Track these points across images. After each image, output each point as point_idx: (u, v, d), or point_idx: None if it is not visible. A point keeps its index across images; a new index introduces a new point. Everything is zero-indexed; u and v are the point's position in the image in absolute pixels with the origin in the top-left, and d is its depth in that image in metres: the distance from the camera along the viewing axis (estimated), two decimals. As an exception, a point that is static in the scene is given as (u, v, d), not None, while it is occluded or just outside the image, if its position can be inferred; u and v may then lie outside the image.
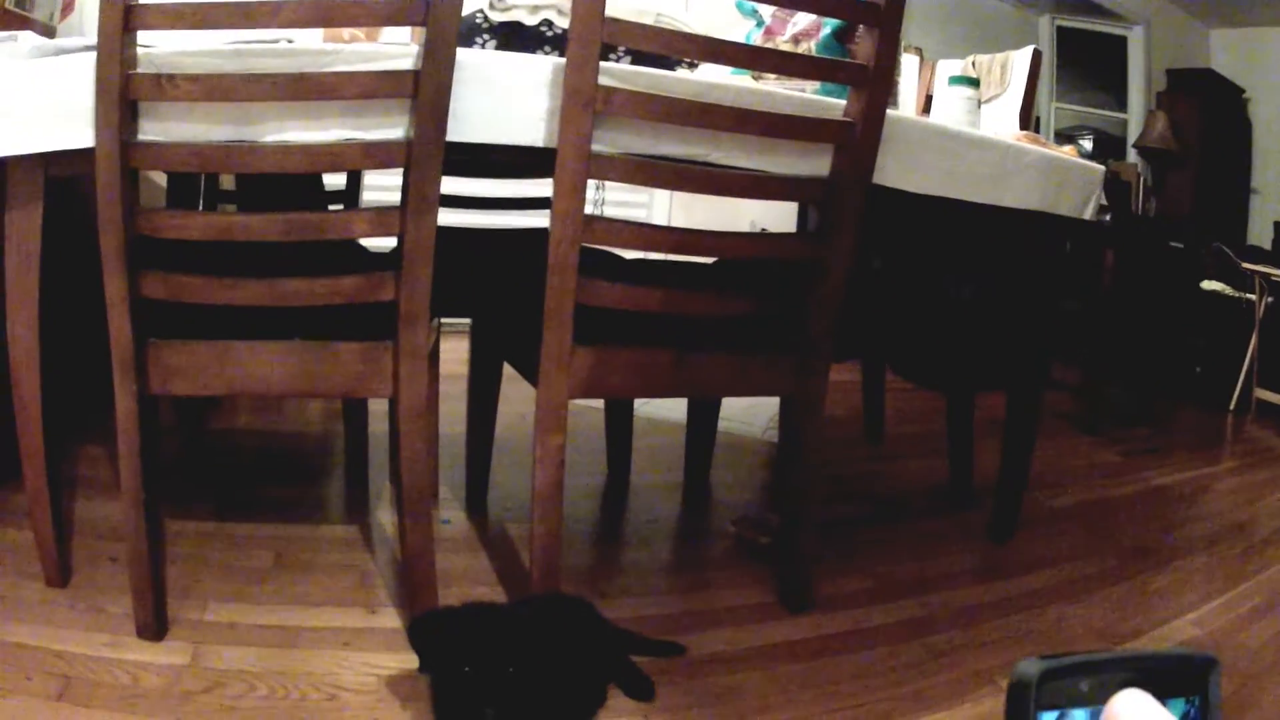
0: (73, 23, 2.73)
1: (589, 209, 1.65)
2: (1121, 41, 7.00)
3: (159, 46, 1.55)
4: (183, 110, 1.55)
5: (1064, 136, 7.10)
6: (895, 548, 2.54)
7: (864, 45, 1.80)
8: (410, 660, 1.60)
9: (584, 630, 1.72)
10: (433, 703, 1.54)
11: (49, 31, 2.58)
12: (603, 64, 1.59)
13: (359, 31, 1.87)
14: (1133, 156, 7.02)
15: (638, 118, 1.65)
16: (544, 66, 1.65)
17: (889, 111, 1.84)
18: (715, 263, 2.23)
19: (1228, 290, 5.50)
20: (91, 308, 1.63)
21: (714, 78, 1.90)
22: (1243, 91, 7.10)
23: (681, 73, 1.90)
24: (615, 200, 4.16)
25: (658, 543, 2.50)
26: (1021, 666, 0.48)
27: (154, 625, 1.71)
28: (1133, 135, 7.04)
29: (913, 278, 3.00)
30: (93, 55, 1.47)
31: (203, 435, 2.65)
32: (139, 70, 1.50)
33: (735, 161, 1.79)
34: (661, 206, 4.14)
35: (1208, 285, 5.60)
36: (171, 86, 1.49)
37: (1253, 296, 5.18)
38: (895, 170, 1.92)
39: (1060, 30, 6.97)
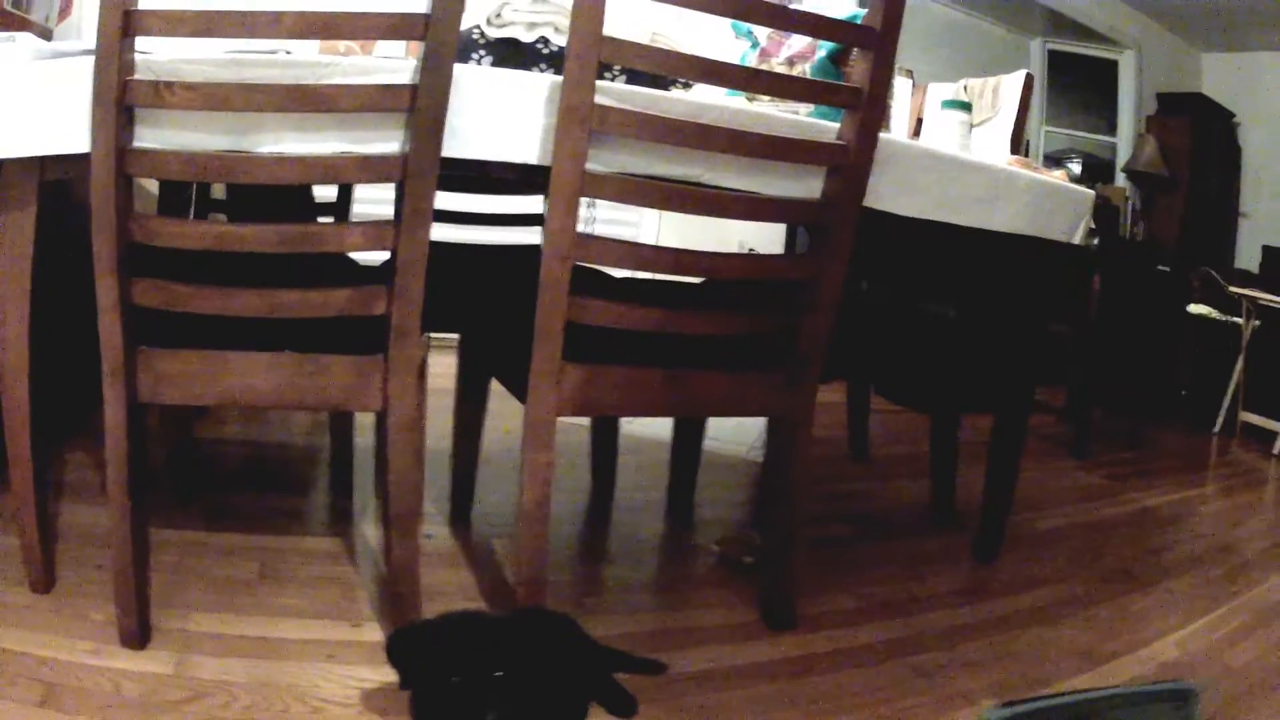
0: (71, 24, 2.72)
1: (580, 227, 1.66)
2: (1113, 65, 7.04)
3: (156, 53, 1.55)
4: (179, 118, 1.56)
5: (1053, 160, 7.14)
6: (879, 567, 2.55)
7: (858, 69, 1.81)
8: (394, 675, 1.61)
9: (566, 646, 1.72)
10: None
11: (46, 33, 2.58)
12: (598, 83, 1.60)
13: (354, 44, 1.88)
14: (1122, 180, 7.06)
15: (632, 137, 1.66)
16: (541, 84, 1.66)
17: (882, 135, 1.85)
18: (703, 282, 2.24)
19: (1214, 314, 5.54)
20: (82, 311, 1.63)
21: (708, 99, 1.91)
22: (1233, 116, 7.16)
23: (676, 93, 1.90)
24: (604, 219, 4.17)
25: (641, 560, 2.51)
26: (984, 715, 0.48)
27: (137, 633, 1.71)
28: (1122, 159, 7.08)
29: (899, 299, 3.02)
30: (91, 59, 1.47)
31: (189, 443, 2.64)
32: (137, 76, 1.50)
33: (728, 182, 1.80)
34: (650, 225, 4.15)
35: (1195, 309, 5.64)
36: (169, 94, 1.49)
37: (1239, 320, 5.21)
38: (888, 193, 1.94)
39: (1051, 54, 7.01)
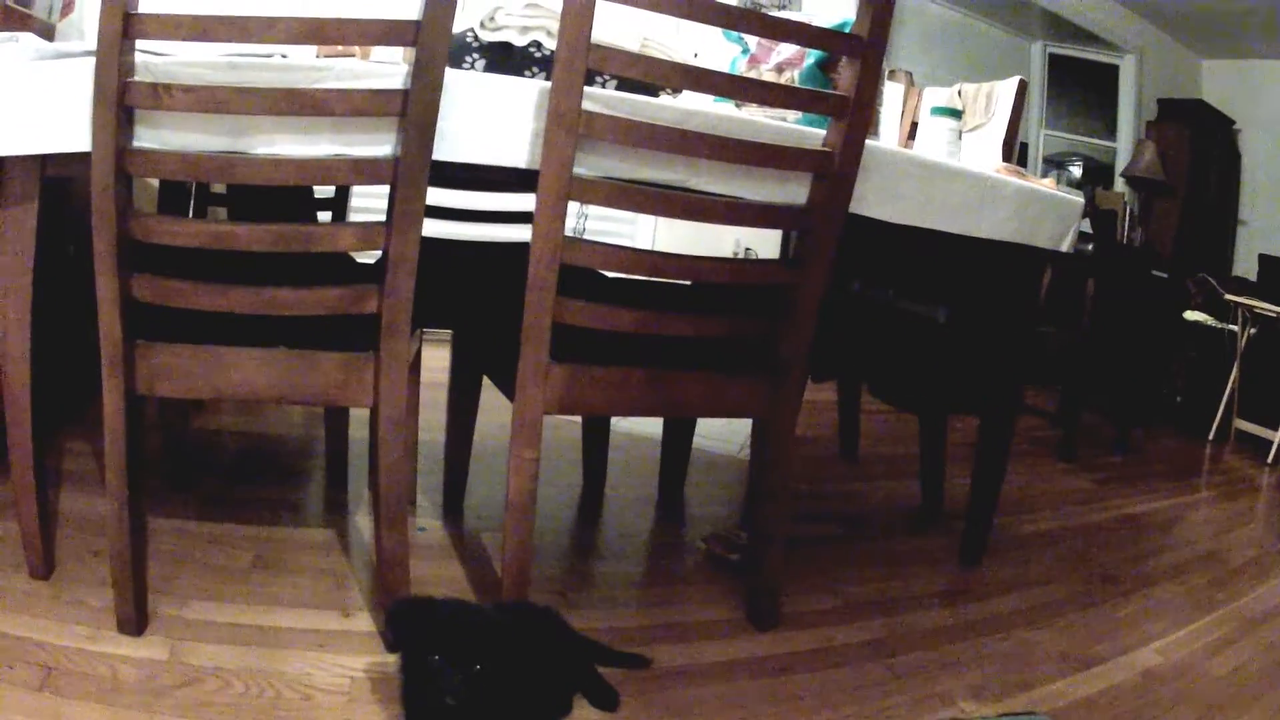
0: (72, 21, 2.74)
1: (572, 228, 1.68)
2: (1113, 70, 7.04)
3: (168, 55, 1.58)
4: (177, 119, 1.59)
5: (1053, 163, 7.13)
6: (864, 568, 2.57)
7: (846, 75, 1.82)
8: (383, 662, 1.64)
9: (552, 638, 1.75)
10: (401, 686, 1.58)
11: (48, 29, 2.60)
12: (586, 89, 1.62)
13: (352, 48, 1.90)
14: (1121, 185, 7.06)
15: (619, 143, 1.69)
16: (530, 90, 1.68)
17: (868, 142, 1.87)
18: (694, 284, 2.26)
19: (1210, 321, 5.54)
20: (82, 304, 1.66)
21: (697, 104, 1.93)
22: (1233, 123, 7.16)
23: (665, 98, 1.92)
24: (599, 215, 4.17)
25: (629, 556, 2.53)
26: None
27: (134, 620, 1.75)
28: (1122, 164, 7.08)
29: (890, 300, 3.04)
30: (92, 60, 1.50)
31: (186, 434, 2.67)
32: (136, 78, 1.53)
33: (714, 188, 1.82)
34: (646, 225, 4.15)
35: (1190, 315, 5.65)
36: (167, 96, 1.52)
37: (1235, 327, 5.22)
38: (873, 200, 1.96)
39: (1052, 57, 7.01)
